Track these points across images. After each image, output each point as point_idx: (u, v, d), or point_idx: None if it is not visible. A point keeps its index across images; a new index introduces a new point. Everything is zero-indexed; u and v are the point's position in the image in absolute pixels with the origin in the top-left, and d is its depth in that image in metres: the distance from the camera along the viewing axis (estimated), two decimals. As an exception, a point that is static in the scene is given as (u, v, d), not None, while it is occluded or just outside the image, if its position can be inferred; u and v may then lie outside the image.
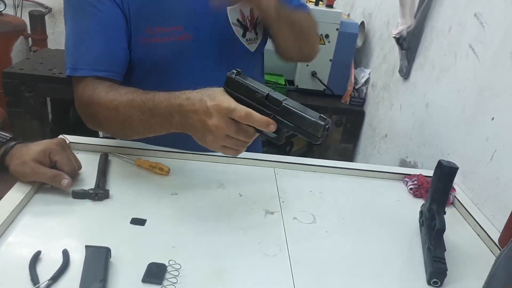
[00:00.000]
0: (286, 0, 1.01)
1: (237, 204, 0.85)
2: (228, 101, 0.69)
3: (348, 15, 2.02)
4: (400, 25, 1.26)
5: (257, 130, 0.71)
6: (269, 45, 1.11)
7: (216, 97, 0.70)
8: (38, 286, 0.59)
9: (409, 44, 1.29)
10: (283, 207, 0.86)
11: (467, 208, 0.92)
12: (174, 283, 0.63)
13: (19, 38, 2.48)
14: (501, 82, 0.89)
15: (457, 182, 1.00)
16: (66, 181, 0.77)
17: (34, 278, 0.60)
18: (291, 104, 0.68)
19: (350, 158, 1.84)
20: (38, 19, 2.52)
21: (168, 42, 0.91)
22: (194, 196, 0.85)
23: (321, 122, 0.66)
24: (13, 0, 2.64)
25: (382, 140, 1.53)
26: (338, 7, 2.16)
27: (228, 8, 0.95)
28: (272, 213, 0.84)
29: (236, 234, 0.76)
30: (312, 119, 0.66)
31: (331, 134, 1.83)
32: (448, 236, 0.82)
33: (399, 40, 1.29)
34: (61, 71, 1.69)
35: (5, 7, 2.49)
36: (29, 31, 2.56)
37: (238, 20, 0.96)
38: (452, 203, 0.96)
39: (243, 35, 0.99)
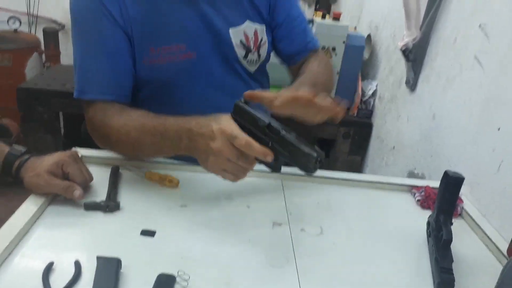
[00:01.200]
0: (302, 40, 1.07)
1: (245, 215, 0.86)
2: (232, 127, 0.72)
3: (355, 28, 2.04)
4: (406, 37, 1.27)
5: (256, 158, 0.74)
6: (275, 59, 1.13)
7: (222, 122, 0.74)
8: (51, 296, 0.60)
9: (415, 56, 1.30)
10: (290, 218, 0.87)
11: (475, 219, 0.92)
12: (183, 293, 0.64)
13: (33, 54, 2.55)
14: (506, 92, 0.90)
15: (465, 193, 1.00)
16: (78, 192, 0.79)
17: (47, 288, 0.62)
18: (288, 135, 0.71)
19: (359, 170, 1.84)
20: (51, 35, 2.59)
21: (171, 61, 0.94)
22: (203, 208, 0.86)
23: (313, 154, 0.68)
24: (27, 18, 2.72)
25: (390, 151, 1.53)
26: (345, 20, 2.19)
27: (231, 29, 0.97)
28: (279, 224, 0.85)
29: (244, 245, 0.77)
30: (305, 151, 0.69)
31: (339, 146, 1.84)
32: (456, 247, 0.82)
33: (405, 52, 1.30)
34: (74, 86, 1.73)
35: (20, 25, 2.57)
36: (43, 48, 2.63)
37: (241, 41, 0.98)
38: (460, 214, 0.96)
39: (245, 57, 1.01)
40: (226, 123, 0.73)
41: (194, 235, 0.78)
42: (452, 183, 0.78)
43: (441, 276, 0.70)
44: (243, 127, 0.73)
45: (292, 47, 1.06)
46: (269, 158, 0.71)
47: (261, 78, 1.11)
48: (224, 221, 0.83)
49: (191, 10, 0.93)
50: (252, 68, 1.04)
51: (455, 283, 0.70)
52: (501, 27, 0.94)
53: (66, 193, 0.79)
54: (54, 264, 0.66)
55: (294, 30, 1.05)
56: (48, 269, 0.65)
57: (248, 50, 1.00)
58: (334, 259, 0.77)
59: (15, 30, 2.54)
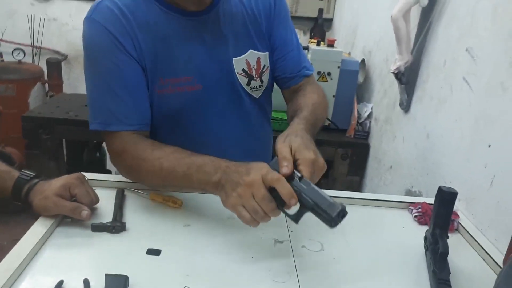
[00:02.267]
0: (296, 65, 1.11)
1: (247, 234, 0.88)
2: (268, 168, 0.76)
3: (349, 53, 2.11)
4: (398, 61, 1.33)
5: (279, 207, 0.76)
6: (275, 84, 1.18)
7: (260, 166, 0.77)
8: (62, 313, 0.62)
9: (407, 79, 1.36)
10: (291, 236, 0.89)
11: (471, 233, 0.95)
12: (189, 308, 0.66)
13: (37, 84, 2.61)
14: (494, 111, 0.94)
15: (460, 208, 1.03)
16: (85, 212, 0.82)
17: (58, 305, 0.64)
18: (317, 187, 0.74)
19: (357, 190, 1.87)
20: (55, 66, 2.66)
21: (179, 92, 0.98)
22: (206, 227, 0.89)
23: (338, 205, 0.71)
24: (31, 49, 2.79)
25: (388, 171, 1.56)
26: (339, 46, 2.26)
27: (234, 59, 1.01)
28: (281, 242, 0.87)
29: (247, 262, 0.79)
30: (331, 201, 0.72)
31: (338, 167, 1.87)
32: (453, 261, 0.85)
33: (397, 75, 1.36)
34: (77, 114, 1.78)
35: (24, 56, 2.64)
36: (46, 77, 2.69)
37: (243, 69, 1.03)
38: (457, 229, 0.99)
39: (248, 84, 1.04)
40: (264, 166, 0.77)
41: (198, 253, 0.81)
42: (446, 198, 0.81)
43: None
44: None
45: (287, 71, 1.09)
46: (294, 201, 0.73)
47: (266, 103, 1.15)
48: (227, 239, 0.86)
49: (198, 43, 0.97)
50: (256, 94, 1.08)
51: (453, 294, 0.73)
52: (486, 49, 0.99)
53: (74, 213, 0.82)
54: (64, 282, 0.69)
55: (289, 55, 1.08)
56: (58, 287, 0.67)
57: (250, 78, 1.04)
58: (335, 273, 0.79)
59: (19, 61, 2.61)
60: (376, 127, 1.74)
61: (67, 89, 2.77)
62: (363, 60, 1.93)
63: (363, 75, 1.92)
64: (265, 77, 1.07)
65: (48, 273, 0.71)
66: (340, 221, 0.72)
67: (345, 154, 1.83)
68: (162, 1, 0.94)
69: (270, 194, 0.75)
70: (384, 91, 1.67)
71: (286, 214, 0.77)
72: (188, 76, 0.97)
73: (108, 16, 0.91)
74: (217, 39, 0.99)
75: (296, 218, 0.77)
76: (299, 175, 0.75)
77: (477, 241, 0.92)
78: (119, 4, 0.92)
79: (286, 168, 0.75)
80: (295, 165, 0.77)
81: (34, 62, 2.80)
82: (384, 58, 1.68)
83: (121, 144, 0.94)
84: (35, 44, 2.79)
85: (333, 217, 0.71)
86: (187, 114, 1.01)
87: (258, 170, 0.75)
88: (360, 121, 1.84)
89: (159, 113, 0.99)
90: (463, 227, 0.98)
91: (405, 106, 1.40)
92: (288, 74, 1.10)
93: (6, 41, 2.79)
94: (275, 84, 1.15)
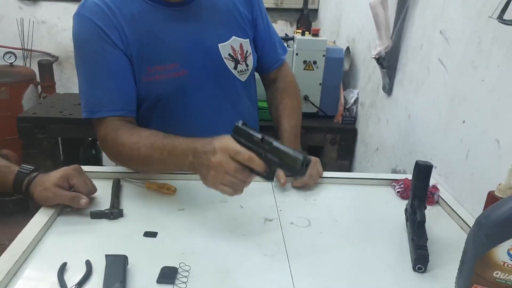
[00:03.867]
0: (274, 53, 1.22)
1: (238, 215, 0.94)
2: (234, 144, 0.80)
3: (334, 42, 2.16)
4: (378, 47, 1.38)
5: (252, 172, 0.81)
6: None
7: (223, 141, 0.81)
8: (67, 290, 0.67)
9: (388, 63, 1.41)
10: (280, 214, 0.95)
11: (450, 205, 1.00)
12: (185, 282, 0.71)
13: (29, 86, 2.64)
14: (467, 89, 1.00)
15: (440, 182, 1.09)
16: (84, 200, 0.87)
17: (63, 284, 0.69)
18: (279, 144, 0.80)
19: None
20: (46, 67, 2.69)
21: (166, 79, 1.03)
22: (199, 210, 0.94)
23: (300, 157, 0.76)
24: (22, 52, 2.82)
25: (374, 153, 1.62)
26: (325, 35, 2.31)
27: (220, 44, 1.07)
28: (270, 220, 0.93)
29: (238, 239, 0.85)
30: (293, 154, 0.77)
31: (327, 153, 1.92)
32: (434, 231, 0.91)
33: (379, 60, 1.41)
34: (71, 113, 1.81)
35: (15, 59, 2.66)
36: (38, 79, 2.72)
37: (229, 54, 1.09)
38: (437, 202, 1.04)
39: (235, 67, 1.11)
40: (227, 141, 0.81)
41: (192, 233, 0.86)
42: (422, 171, 0.87)
43: (417, 253, 0.78)
44: (241, 145, 0.81)
45: (264, 61, 1.22)
46: (265, 169, 0.79)
47: (251, 87, 1.23)
48: (220, 220, 0.91)
49: (183, 30, 1.03)
50: (243, 78, 1.14)
51: (430, 259, 0.78)
52: (458, 31, 1.04)
53: (73, 202, 0.87)
54: (67, 264, 0.74)
55: (266, 45, 1.20)
56: (62, 269, 0.72)
57: (236, 62, 1.11)
58: (321, 246, 0.85)
59: (11, 64, 2.64)
60: (362, 112, 1.80)
61: (59, 90, 2.79)
62: (348, 48, 1.98)
63: (348, 62, 1.97)
64: (249, 61, 1.14)
65: (52, 257, 0.76)
66: (306, 170, 0.77)
67: (334, 139, 1.88)
68: None
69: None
70: (368, 76, 1.72)
71: (260, 175, 0.82)
72: (173, 62, 1.03)
73: (95, 11, 0.97)
74: (200, 27, 1.05)
75: (269, 177, 0.82)
76: (259, 136, 0.79)
77: (456, 212, 0.98)
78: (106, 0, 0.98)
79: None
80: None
81: (25, 65, 2.83)
82: (367, 45, 1.73)
83: (105, 130, 0.99)
84: (25, 47, 2.81)
85: (297, 169, 0.76)
86: (176, 100, 1.06)
87: (223, 149, 0.80)
88: (347, 107, 1.89)
89: (149, 100, 1.05)
90: (443, 199, 1.03)
91: (388, 89, 1.45)
92: (267, 63, 1.23)
93: (-3, 45, 2.81)
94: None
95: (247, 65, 1.13)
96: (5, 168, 0.90)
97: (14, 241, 0.77)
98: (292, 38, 1.87)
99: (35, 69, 2.73)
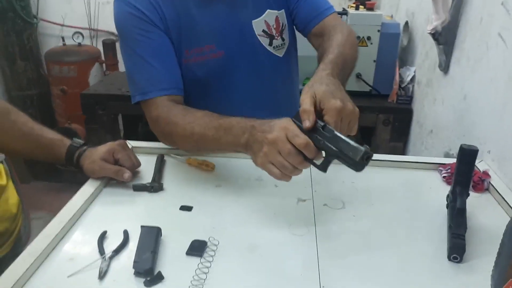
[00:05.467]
0: (314, 7, 1.10)
1: (272, 193, 0.94)
2: (293, 127, 0.75)
3: (392, 16, 2.04)
4: (434, 21, 1.29)
5: (306, 159, 0.76)
6: (310, 51, 1.19)
7: (283, 122, 0.77)
8: (104, 257, 0.73)
9: (445, 39, 1.31)
10: (315, 195, 0.94)
11: (501, 193, 0.93)
12: (212, 255, 0.74)
13: (95, 64, 2.81)
14: (527, 67, 0.91)
15: (493, 168, 1.01)
16: (127, 174, 0.92)
17: (101, 250, 0.75)
18: (341, 134, 0.74)
19: (400, 156, 1.85)
20: (110, 46, 2.83)
21: (203, 61, 1.04)
22: (234, 187, 0.96)
23: (361, 148, 0.71)
24: (89, 32, 2.99)
25: (428, 135, 1.54)
26: (384, 9, 2.20)
27: (253, 21, 1.05)
28: (304, 200, 0.92)
29: (269, 218, 0.86)
30: (355, 145, 0.72)
31: (380, 134, 1.86)
32: (479, 219, 0.86)
33: (435, 35, 1.32)
34: (129, 92, 1.91)
35: (83, 39, 2.84)
36: (103, 58, 2.88)
37: (263, 30, 1.07)
38: (487, 189, 0.97)
39: (270, 44, 1.09)
40: (287, 122, 0.76)
41: (225, 209, 0.88)
42: (467, 155, 0.81)
43: (452, 241, 0.74)
44: (301, 130, 0.76)
45: (304, 14, 1.09)
46: (319, 156, 0.75)
47: (291, 62, 1.17)
48: (253, 198, 0.92)
49: (217, 10, 1.03)
50: (280, 53, 1.11)
51: (469, 249, 0.74)
52: (521, 2, 0.94)
53: (117, 175, 0.93)
54: (107, 233, 0.79)
55: (303, 0, 1.09)
56: (102, 236, 0.78)
57: (271, 38, 1.08)
58: (352, 229, 0.83)
59: (79, 44, 2.82)
60: (418, 91, 1.70)
61: (122, 67, 2.94)
62: (406, 23, 1.87)
63: (406, 38, 1.86)
64: (286, 35, 1.11)
65: (94, 225, 0.82)
66: (366, 164, 0.72)
67: (387, 120, 1.81)
68: None
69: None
70: (425, 53, 1.62)
71: (314, 164, 0.78)
72: (210, 44, 1.03)
73: None
74: (234, 5, 1.03)
75: (323, 167, 0.77)
76: (322, 124, 0.75)
77: (506, 201, 0.91)
78: None
79: (307, 121, 0.74)
80: (321, 115, 0.76)
81: (92, 44, 3.00)
82: (426, 19, 1.62)
83: (156, 110, 0.99)
84: (92, 27, 2.98)
85: (356, 161, 0.71)
86: (213, 81, 1.07)
87: (282, 128, 0.75)
88: (402, 86, 1.80)
89: (186, 82, 1.07)
90: (493, 187, 0.96)
91: (444, 67, 1.36)
92: (305, 16, 1.09)
93: (67, 26, 3.00)
94: (308, 50, 1.16)
95: (283, 39, 1.10)
96: (59, 141, 0.98)
97: (63, 209, 0.85)
98: (346, 13, 1.80)
99: (100, 48, 2.89)
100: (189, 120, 0.94)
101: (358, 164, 0.71)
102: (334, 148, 0.73)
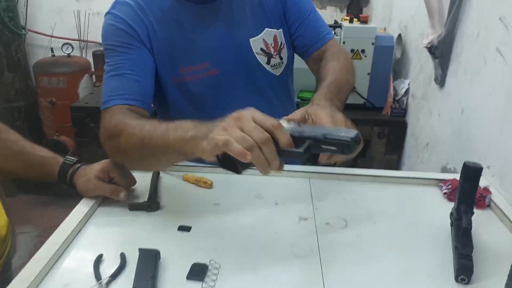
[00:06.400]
0: (314, 33, 1.09)
1: (272, 211, 0.92)
2: (259, 112, 0.69)
3: (385, 29, 2.05)
4: (431, 35, 1.29)
5: (279, 150, 0.66)
6: (304, 64, 1.18)
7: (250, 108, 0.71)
8: (101, 282, 0.70)
9: (441, 53, 1.31)
10: (316, 213, 0.92)
11: (502, 209, 0.92)
12: (214, 280, 0.71)
13: (85, 76, 2.77)
14: (527, 82, 0.91)
15: (493, 184, 1.01)
16: (123, 193, 0.89)
17: (97, 275, 0.71)
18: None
19: (395, 169, 1.84)
20: (100, 57, 2.80)
21: (198, 79, 1.02)
22: (234, 206, 0.94)
23: (351, 130, 0.65)
24: (79, 43, 2.96)
25: (424, 148, 1.53)
26: (376, 21, 2.21)
27: (251, 39, 1.04)
28: (305, 219, 0.90)
29: (270, 238, 0.83)
30: (345, 128, 0.67)
31: (375, 146, 1.85)
32: (482, 237, 0.84)
33: (431, 49, 1.32)
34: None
35: (72, 50, 2.80)
36: (93, 69, 2.85)
37: (261, 49, 1.05)
38: (489, 206, 0.96)
39: (268, 62, 1.07)
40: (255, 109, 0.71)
41: (225, 229, 0.86)
42: (471, 174, 0.80)
43: (460, 262, 0.72)
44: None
45: (305, 39, 1.08)
46: (289, 144, 0.66)
47: (287, 80, 1.16)
48: (253, 217, 0.90)
49: (213, 28, 1.01)
50: (277, 72, 1.10)
51: (476, 269, 0.72)
52: (520, 17, 0.95)
53: (112, 195, 0.90)
54: (103, 256, 0.76)
55: (305, 22, 1.07)
56: (98, 260, 0.75)
57: (269, 56, 1.07)
58: (357, 249, 0.81)
59: (68, 55, 2.78)
60: (413, 104, 1.70)
61: (112, 79, 2.91)
62: (399, 35, 1.88)
63: (400, 51, 1.87)
64: (284, 54, 1.09)
65: (90, 248, 0.79)
66: (355, 147, 0.64)
67: (382, 132, 1.80)
68: None
69: None
70: (420, 66, 1.62)
71: (290, 155, 0.66)
72: (205, 62, 1.01)
73: (125, 9, 0.97)
74: (231, 22, 1.01)
75: (303, 155, 0.66)
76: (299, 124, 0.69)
77: (508, 218, 0.90)
78: None
79: (285, 121, 0.69)
80: None
81: (81, 55, 2.97)
82: (420, 32, 1.63)
83: (111, 117, 0.91)
84: (81, 38, 2.94)
85: (349, 141, 0.63)
86: (208, 99, 1.05)
87: (248, 110, 0.68)
88: (397, 98, 1.80)
89: (181, 100, 1.04)
90: (495, 203, 0.95)
91: (440, 81, 1.36)
92: (306, 41, 1.09)
93: (56, 37, 2.96)
94: (304, 63, 1.16)
95: (281, 58, 1.09)
96: (51, 159, 0.94)
97: (56, 231, 0.81)
98: (340, 26, 1.80)
99: (90, 59, 2.86)
100: (142, 122, 0.86)
101: (350, 144, 0.64)
102: (319, 133, 0.66)
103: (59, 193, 2.47)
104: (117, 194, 0.89)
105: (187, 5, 0.99)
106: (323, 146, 0.66)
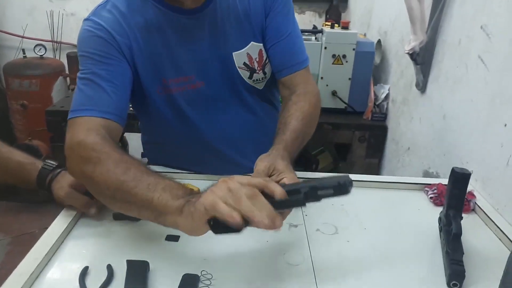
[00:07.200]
0: (288, 58, 1.04)
1: (262, 219, 0.91)
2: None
3: (365, 34, 2.08)
4: (412, 41, 1.31)
5: (276, 205, 0.66)
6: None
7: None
8: (88, 297, 0.66)
9: (423, 59, 1.34)
10: (306, 220, 0.91)
11: (487, 213, 0.94)
12: (206, 291, 0.69)
13: (59, 78, 2.69)
14: (510, 89, 0.93)
15: (477, 188, 1.03)
16: (93, 210, 0.85)
17: (84, 290, 0.68)
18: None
19: (376, 173, 1.86)
20: (74, 59, 2.72)
21: (183, 91, 0.99)
22: (222, 213, 0.92)
23: (344, 174, 0.68)
24: (52, 44, 2.86)
25: (406, 153, 1.55)
26: (355, 27, 2.23)
27: (234, 53, 1.00)
28: (295, 226, 0.89)
29: (262, 246, 0.82)
30: (336, 175, 0.68)
31: (355, 150, 1.87)
32: (469, 241, 0.85)
33: (412, 55, 1.34)
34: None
35: (45, 51, 2.71)
36: (67, 71, 2.76)
37: (244, 63, 1.01)
38: (473, 210, 0.98)
39: (250, 77, 1.03)
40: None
41: (215, 238, 0.82)
42: (459, 179, 0.81)
43: (452, 268, 0.73)
44: None
45: (275, 60, 1.03)
46: (282, 195, 0.66)
47: (271, 94, 1.14)
48: (243, 225, 0.88)
49: (198, 41, 0.97)
50: (259, 86, 1.07)
51: (466, 274, 0.73)
52: (501, 27, 0.97)
53: (83, 208, 0.85)
54: (89, 268, 0.73)
55: (280, 45, 1.02)
56: (84, 273, 0.71)
57: (252, 71, 1.03)
58: (349, 255, 0.81)
59: (41, 57, 2.69)
60: (393, 109, 1.73)
61: (88, 82, 2.84)
62: (379, 41, 1.90)
63: (379, 56, 1.89)
64: (268, 69, 1.05)
65: (74, 260, 0.75)
66: (350, 186, 0.67)
67: (363, 136, 1.82)
68: (160, 0, 0.93)
69: None
70: (400, 71, 1.64)
71: (289, 203, 0.69)
72: (189, 75, 0.99)
73: (107, 17, 0.91)
74: (216, 35, 0.98)
75: (303, 200, 0.69)
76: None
77: (493, 221, 0.92)
78: (120, 7, 0.92)
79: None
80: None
81: (55, 57, 2.88)
82: (400, 39, 1.66)
83: (78, 128, 0.84)
84: (55, 39, 2.85)
85: (347, 183, 0.66)
86: (193, 110, 1.03)
87: (230, 178, 0.66)
88: (377, 103, 1.82)
89: (164, 113, 1.02)
90: (479, 207, 0.97)
91: (421, 87, 1.39)
92: (277, 64, 1.04)
93: (28, 38, 2.86)
94: None
95: (264, 73, 1.05)
96: (30, 165, 0.90)
97: (36, 244, 0.77)
98: (321, 31, 1.81)
99: (64, 61, 2.78)
100: (127, 162, 0.77)
101: (347, 183, 0.66)
102: (314, 182, 0.68)
103: (32, 199, 2.38)
104: (88, 209, 0.85)
105: (171, 16, 0.94)
106: (319, 192, 0.68)
